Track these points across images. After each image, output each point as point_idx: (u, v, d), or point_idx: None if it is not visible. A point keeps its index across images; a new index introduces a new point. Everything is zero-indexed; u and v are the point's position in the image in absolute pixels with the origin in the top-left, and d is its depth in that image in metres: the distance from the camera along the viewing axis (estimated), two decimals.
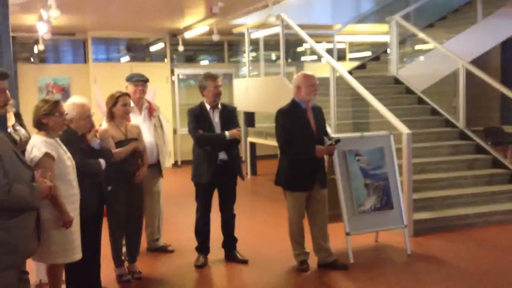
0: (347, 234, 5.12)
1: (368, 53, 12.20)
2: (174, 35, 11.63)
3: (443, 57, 8.30)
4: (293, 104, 4.91)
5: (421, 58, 9.79)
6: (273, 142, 9.21)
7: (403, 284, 4.59)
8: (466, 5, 10.41)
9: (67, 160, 3.72)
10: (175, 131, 11.66)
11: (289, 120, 4.83)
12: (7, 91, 2.94)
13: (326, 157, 5.11)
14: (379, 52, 10.86)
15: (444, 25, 10.31)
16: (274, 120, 4.94)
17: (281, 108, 4.94)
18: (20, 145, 4.06)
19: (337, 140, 4.87)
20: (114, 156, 4.42)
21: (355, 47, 13.40)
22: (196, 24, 10.27)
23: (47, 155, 3.54)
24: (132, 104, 4.98)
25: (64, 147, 3.76)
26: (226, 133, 4.96)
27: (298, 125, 4.81)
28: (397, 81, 9.00)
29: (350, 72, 8.40)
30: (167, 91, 11.61)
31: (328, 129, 5.43)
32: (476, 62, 8.13)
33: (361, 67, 10.56)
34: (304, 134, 4.79)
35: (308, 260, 4.97)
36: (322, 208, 4.96)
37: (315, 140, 4.78)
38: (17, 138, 4.18)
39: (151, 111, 5.40)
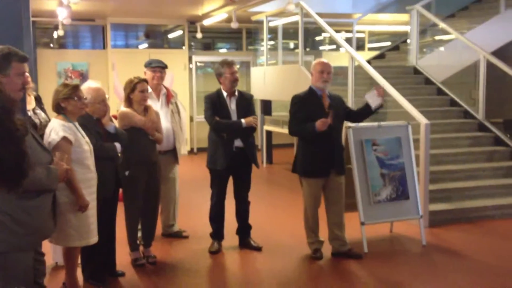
0: (362, 223, 5.11)
1: (387, 43, 12.09)
2: (192, 22, 11.62)
3: (464, 48, 8.19)
4: (309, 91, 4.90)
5: (442, 48, 9.67)
6: None
7: (418, 275, 4.57)
8: None
9: (85, 144, 3.75)
10: (191, 119, 11.69)
11: (303, 106, 4.83)
12: (27, 75, 2.96)
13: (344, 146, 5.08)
14: (398, 42, 10.75)
15: (466, 15, 10.16)
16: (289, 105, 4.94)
17: (297, 94, 4.94)
18: (40, 128, 4.11)
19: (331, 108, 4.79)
20: (137, 124, 4.48)
21: (375, 36, 13.28)
22: (214, 11, 10.24)
23: (65, 138, 3.57)
24: (149, 90, 4.99)
25: (82, 131, 3.79)
26: (243, 120, 4.96)
27: (312, 111, 4.79)
28: (416, 71, 8.91)
29: (369, 62, 8.32)
30: (184, 78, 11.63)
31: None
32: (497, 53, 8.00)
33: (380, 56, 10.47)
34: (316, 120, 4.77)
35: (322, 249, 4.97)
36: (339, 196, 4.93)
37: (331, 125, 4.74)
38: (37, 121, 4.23)
39: (169, 98, 5.41)
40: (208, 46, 13.19)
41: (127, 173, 4.49)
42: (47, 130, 3.67)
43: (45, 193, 2.95)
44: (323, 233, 4.99)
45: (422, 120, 5.90)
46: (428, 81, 8.68)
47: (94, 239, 3.81)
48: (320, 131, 4.64)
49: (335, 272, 4.70)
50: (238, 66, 5.19)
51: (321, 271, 4.74)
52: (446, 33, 8.82)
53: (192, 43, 12.48)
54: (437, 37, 9.88)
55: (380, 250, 5.18)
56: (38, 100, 4.66)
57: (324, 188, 4.90)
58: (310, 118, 4.77)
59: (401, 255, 5.12)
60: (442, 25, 8.67)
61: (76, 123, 3.77)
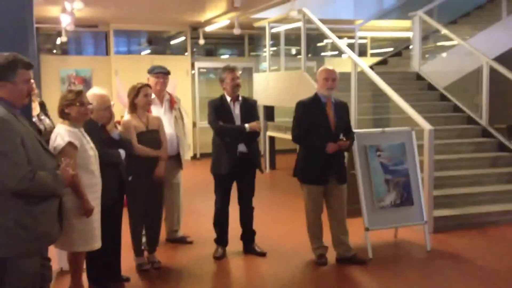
0: (366, 229, 5.10)
1: (389, 49, 12.10)
2: (195, 29, 11.65)
3: (467, 54, 8.20)
4: (314, 97, 4.91)
5: (444, 54, 9.67)
6: None
7: (422, 281, 4.56)
8: (490, 2, 10.27)
9: (90, 150, 3.76)
10: (194, 124, 11.70)
11: (306, 112, 4.84)
12: (32, 81, 2.97)
13: (346, 153, 5.09)
14: (401, 47, 10.76)
15: (468, 21, 10.18)
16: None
17: (301, 100, 4.95)
18: (44, 135, 4.12)
19: (348, 137, 4.84)
20: (135, 150, 4.46)
21: (377, 42, 13.30)
22: (217, 18, 10.27)
23: (70, 144, 3.58)
24: (153, 96, 5.01)
25: (87, 137, 3.79)
26: (246, 125, 4.97)
27: (315, 118, 4.81)
28: (419, 77, 8.91)
29: (371, 68, 8.33)
30: (187, 84, 11.64)
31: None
32: (500, 59, 8.00)
33: (383, 62, 10.48)
34: (320, 127, 4.78)
35: (327, 254, 4.97)
36: (340, 203, 4.93)
37: (332, 135, 4.75)
38: (41, 127, 4.24)
39: (172, 103, 5.42)
40: (210, 52, 13.21)
41: (130, 178, 4.49)
42: (53, 136, 3.67)
43: (51, 198, 2.95)
44: (328, 238, 4.98)
45: (426, 126, 5.90)
46: (431, 87, 8.68)
47: (98, 244, 3.81)
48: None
49: (339, 277, 4.69)
50: (240, 72, 5.21)
51: (325, 277, 4.73)
52: (449, 39, 8.83)
53: (195, 49, 12.51)
54: (439, 43, 9.89)
55: (385, 256, 5.16)
56: (42, 106, 4.68)
57: (325, 195, 4.90)
58: (312, 125, 4.78)
59: (406, 261, 5.11)
60: (444, 31, 8.68)
61: (82, 129, 3.78)
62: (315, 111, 4.83)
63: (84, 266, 4.10)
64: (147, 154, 4.59)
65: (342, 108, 4.95)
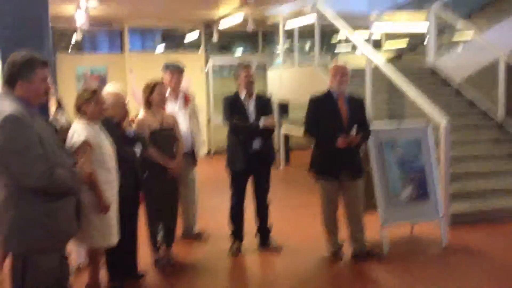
0: (382, 225, 5.09)
1: (404, 44, 12.02)
2: (208, 25, 11.67)
3: (482, 48, 8.11)
4: (326, 93, 4.91)
5: (459, 48, 9.59)
6: None
7: (438, 276, 4.54)
8: None
9: (107, 147, 3.79)
10: (208, 121, 11.73)
11: (318, 108, 4.87)
12: (49, 80, 3.01)
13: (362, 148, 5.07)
14: (415, 42, 10.69)
15: (484, 15, 10.07)
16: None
17: (313, 96, 4.97)
18: (61, 133, 4.15)
19: (358, 131, 4.73)
20: (147, 154, 4.49)
21: (391, 37, 13.21)
22: (230, 14, 10.28)
23: (86, 141, 3.61)
24: (167, 93, 5.03)
25: (104, 134, 3.83)
26: (261, 121, 4.97)
27: (326, 113, 4.82)
28: (434, 72, 8.84)
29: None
30: (201, 81, 11.67)
31: None
32: None
33: (397, 57, 10.41)
34: (331, 123, 4.78)
35: (343, 250, 4.96)
36: (355, 199, 4.91)
37: (344, 130, 4.73)
38: (58, 125, 4.28)
39: (187, 100, 5.44)
40: (224, 48, 13.23)
41: (145, 175, 4.52)
42: (70, 133, 3.71)
43: (69, 195, 2.99)
44: (344, 233, 4.98)
45: (442, 121, 5.86)
46: (446, 82, 8.61)
47: (115, 240, 3.84)
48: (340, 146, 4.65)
49: (355, 273, 4.69)
50: (254, 69, 5.23)
51: (341, 272, 4.73)
52: (464, 33, 8.75)
53: (208, 46, 12.53)
54: (454, 37, 9.81)
55: (401, 251, 5.15)
56: (59, 104, 4.73)
57: (341, 190, 4.90)
58: (324, 120, 4.79)
59: (422, 256, 5.08)
60: (460, 25, 8.60)
61: (98, 126, 3.81)
62: (326, 106, 4.84)
63: (102, 262, 4.14)
64: (156, 159, 4.59)
65: (357, 104, 4.94)
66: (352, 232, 4.94)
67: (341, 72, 4.81)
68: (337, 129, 4.73)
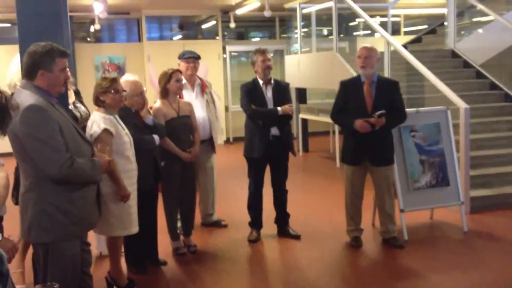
0: (402, 211, 5.07)
1: (424, 26, 11.85)
2: (225, 12, 11.64)
3: (503, 29, 7.95)
4: (355, 77, 4.91)
5: (480, 30, 9.42)
6: (325, 119, 9.16)
7: (460, 261, 4.51)
8: None
9: (125, 136, 3.82)
10: (226, 108, 11.74)
11: (344, 92, 4.87)
12: (67, 69, 3.03)
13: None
14: (435, 25, 10.52)
15: None
16: None
17: (343, 80, 5.00)
18: (81, 122, 4.20)
19: (381, 114, 4.61)
20: (163, 143, 4.51)
21: (410, 20, 13.04)
22: (247, 0, 10.23)
23: (106, 131, 3.64)
24: (184, 81, 5.04)
25: (122, 123, 3.85)
26: (279, 108, 4.96)
27: (351, 97, 4.80)
28: (454, 54, 8.71)
29: (405, 46, 8.18)
30: (219, 68, 11.68)
31: None
32: None
33: (417, 40, 10.27)
34: (354, 107, 4.75)
35: (362, 236, 4.95)
36: (380, 186, 4.84)
37: (367, 115, 4.68)
38: (77, 114, 4.32)
39: (204, 88, 5.45)
40: (241, 35, 13.19)
41: (163, 163, 4.55)
42: (89, 123, 3.75)
43: (89, 184, 3.02)
44: (365, 220, 4.96)
45: (462, 104, 5.79)
46: (466, 64, 8.48)
47: (135, 228, 3.88)
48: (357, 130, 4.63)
49: (374, 259, 4.68)
50: (271, 54, 5.19)
51: (360, 259, 4.72)
52: (485, 14, 8.59)
53: (226, 33, 12.51)
54: (475, 19, 9.63)
55: (421, 237, 5.12)
56: (78, 94, 4.75)
57: (371, 178, 4.86)
58: (349, 104, 4.78)
59: (442, 242, 5.05)
60: (480, 6, 8.44)
61: (116, 116, 3.84)
62: (352, 90, 4.82)
63: (123, 250, 4.19)
64: (172, 150, 4.60)
65: (387, 88, 4.78)
66: (380, 219, 4.94)
67: (364, 55, 4.73)
68: (361, 114, 4.68)
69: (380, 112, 4.59)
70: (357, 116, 4.68)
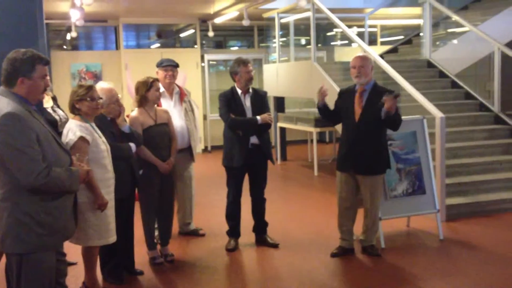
0: (379, 219, 5.09)
1: (400, 37, 12.02)
2: (204, 21, 11.65)
3: (478, 40, 8.11)
4: (352, 86, 4.92)
5: (455, 41, 9.58)
6: (303, 127, 9.21)
7: (436, 269, 4.55)
8: None
9: (102, 144, 3.78)
10: (205, 117, 11.72)
11: (338, 100, 4.97)
12: (47, 77, 3.00)
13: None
14: (411, 35, 10.68)
15: (479, 7, 10.05)
16: None
17: (342, 88, 5.17)
18: (61, 125, 4.15)
19: (397, 95, 4.47)
20: (140, 152, 4.48)
21: (387, 30, 13.21)
22: (226, 9, 10.25)
23: (82, 138, 3.60)
24: (162, 89, 5.02)
25: (99, 131, 3.82)
26: (258, 117, 4.97)
27: (343, 106, 4.86)
28: (430, 64, 8.84)
29: (382, 56, 8.28)
30: (197, 76, 11.66)
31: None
32: None
33: (393, 50, 10.41)
34: (344, 115, 4.83)
35: (352, 245, 4.95)
36: (366, 197, 4.81)
37: (356, 122, 4.69)
38: (57, 117, 4.28)
39: (182, 96, 5.43)
40: (220, 44, 13.20)
41: (141, 172, 4.52)
42: (65, 131, 3.70)
43: (66, 194, 2.98)
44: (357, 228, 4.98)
45: (437, 113, 5.86)
46: (442, 74, 8.61)
47: (113, 238, 3.84)
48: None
49: (353, 267, 4.69)
50: (252, 64, 5.20)
51: (338, 267, 4.72)
52: (460, 25, 8.74)
53: (204, 42, 12.51)
54: (450, 30, 9.80)
55: (398, 245, 5.16)
56: (55, 100, 4.73)
57: (360, 186, 4.85)
58: (341, 111, 4.86)
59: (419, 249, 5.09)
60: (455, 17, 8.59)
61: (93, 124, 3.80)
62: (345, 98, 4.87)
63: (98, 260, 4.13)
64: (148, 159, 4.58)
65: (381, 97, 4.60)
66: (362, 227, 4.96)
67: (358, 65, 4.72)
68: (349, 123, 4.76)
69: (396, 93, 4.51)
70: (346, 124, 4.76)
